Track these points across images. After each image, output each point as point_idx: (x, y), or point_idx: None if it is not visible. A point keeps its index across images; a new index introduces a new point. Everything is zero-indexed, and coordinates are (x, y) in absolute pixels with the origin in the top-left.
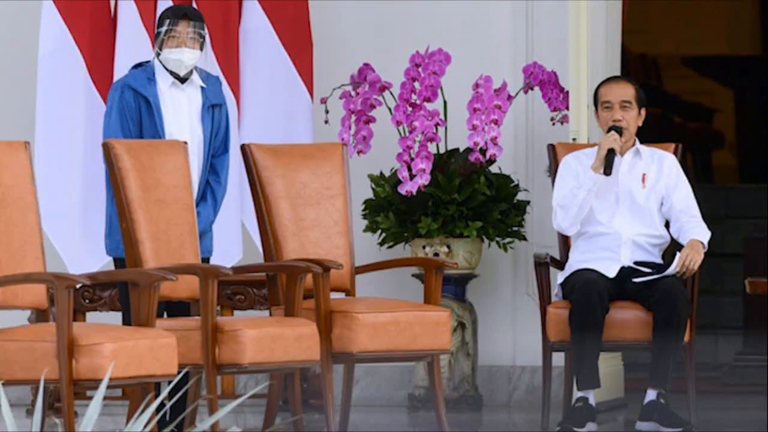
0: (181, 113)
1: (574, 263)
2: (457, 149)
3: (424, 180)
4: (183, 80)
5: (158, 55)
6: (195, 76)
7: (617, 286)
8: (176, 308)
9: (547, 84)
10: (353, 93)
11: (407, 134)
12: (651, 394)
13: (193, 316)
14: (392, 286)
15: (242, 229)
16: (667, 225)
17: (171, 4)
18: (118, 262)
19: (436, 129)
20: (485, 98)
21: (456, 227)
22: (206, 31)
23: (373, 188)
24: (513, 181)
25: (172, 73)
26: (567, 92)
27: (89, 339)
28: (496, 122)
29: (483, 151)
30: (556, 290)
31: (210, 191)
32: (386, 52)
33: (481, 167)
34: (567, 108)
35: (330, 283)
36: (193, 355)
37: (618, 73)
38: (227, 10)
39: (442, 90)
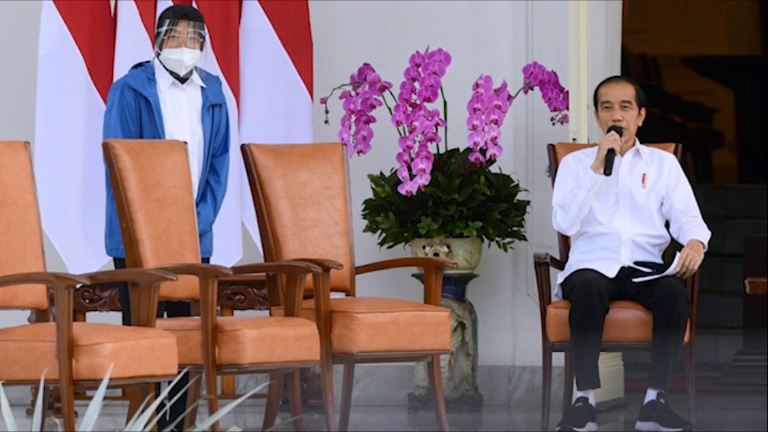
0: (181, 113)
1: (574, 263)
2: (457, 149)
3: (424, 180)
4: (183, 80)
5: (158, 55)
6: (195, 76)
7: (617, 286)
8: (176, 308)
9: (547, 84)
10: (353, 93)
11: (407, 134)
12: (651, 394)
13: (193, 316)
14: (392, 286)
15: (242, 229)
16: (667, 225)
17: (171, 4)
18: (118, 262)
19: (436, 129)
20: (485, 98)
21: (456, 227)
22: (206, 31)
23: (373, 188)
24: (513, 181)
25: (172, 73)
26: (567, 92)
27: (89, 339)
28: (496, 122)
29: (483, 151)
30: (556, 290)
31: (210, 191)
32: (386, 52)
33: (481, 167)
34: (567, 108)
35: (330, 283)
36: (193, 355)
37: (618, 73)
38: (227, 10)
39: (442, 90)
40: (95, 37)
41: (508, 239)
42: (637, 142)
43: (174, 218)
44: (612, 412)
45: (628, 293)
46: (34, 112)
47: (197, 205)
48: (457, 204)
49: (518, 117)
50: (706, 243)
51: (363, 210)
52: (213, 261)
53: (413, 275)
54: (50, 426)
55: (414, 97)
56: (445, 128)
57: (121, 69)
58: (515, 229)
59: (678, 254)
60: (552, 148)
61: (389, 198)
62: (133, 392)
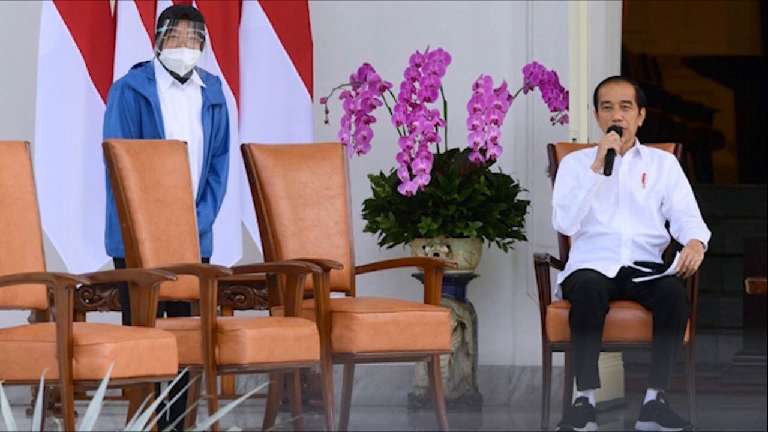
0: (181, 113)
1: (574, 263)
2: (457, 149)
3: (424, 180)
4: (183, 80)
5: (158, 55)
6: (195, 76)
7: (617, 286)
8: (176, 308)
9: (547, 84)
10: (353, 93)
11: (407, 134)
12: (651, 394)
13: (193, 316)
14: (392, 286)
15: (242, 229)
16: (667, 225)
17: (171, 4)
18: (118, 262)
19: (436, 129)
20: (485, 98)
21: (456, 227)
22: (206, 31)
23: (373, 188)
24: (513, 181)
25: (172, 73)
26: (567, 92)
27: (89, 339)
28: (496, 122)
29: (483, 151)
30: (556, 290)
31: (210, 191)
32: (386, 52)
33: (481, 167)
34: (567, 108)
35: (330, 283)
36: (193, 355)
37: (618, 73)
38: (227, 10)
39: (442, 90)
40: (95, 37)
41: (508, 239)
42: (637, 142)
43: (174, 218)
44: (612, 412)
45: (628, 293)
46: (34, 112)
47: (197, 205)
48: (457, 204)
49: (518, 117)
50: (706, 243)
51: (363, 210)
52: (213, 261)
53: (413, 275)
54: (50, 426)
55: (414, 97)
56: (445, 128)
57: (121, 69)
58: (515, 229)
59: (678, 254)
60: (552, 148)
61: (389, 198)
62: (133, 392)
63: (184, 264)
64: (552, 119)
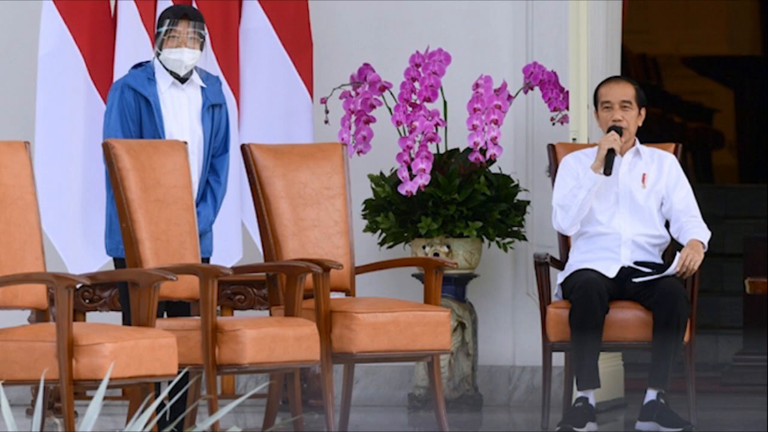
0: (181, 113)
1: (574, 263)
2: (457, 149)
3: (424, 180)
4: (183, 80)
5: (158, 55)
6: (195, 76)
7: (617, 286)
8: (176, 308)
9: (547, 84)
10: (353, 93)
11: (407, 134)
12: (651, 394)
13: (193, 316)
14: (392, 286)
15: (242, 229)
16: (667, 225)
17: (171, 4)
18: (118, 262)
19: (436, 129)
20: (485, 98)
21: (456, 227)
22: (206, 31)
23: (373, 188)
24: (513, 181)
25: (172, 73)
26: (567, 92)
27: (89, 339)
28: (496, 122)
29: (483, 151)
30: (556, 290)
31: (210, 191)
32: (386, 52)
33: (481, 167)
34: (567, 108)
35: (330, 283)
36: (193, 355)
37: (618, 73)
38: (227, 10)
39: (442, 90)
40: (95, 37)
41: (508, 239)
42: (637, 142)
43: (174, 218)
44: (612, 412)
45: (628, 293)
46: (34, 112)
47: (197, 205)
48: (457, 204)
49: (518, 117)
50: (706, 243)
51: (363, 210)
52: (213, 261)
53: (413, 275)
54: (50, 426)
55: (414, 97)
56: (445, 128)
57: (121, 69)
58: (515, 229)
59: (678, 254)
60: (552, 148)
61: (389, 198)
62: (133, 392)
63: (184, 264)
64: (552, 119)
